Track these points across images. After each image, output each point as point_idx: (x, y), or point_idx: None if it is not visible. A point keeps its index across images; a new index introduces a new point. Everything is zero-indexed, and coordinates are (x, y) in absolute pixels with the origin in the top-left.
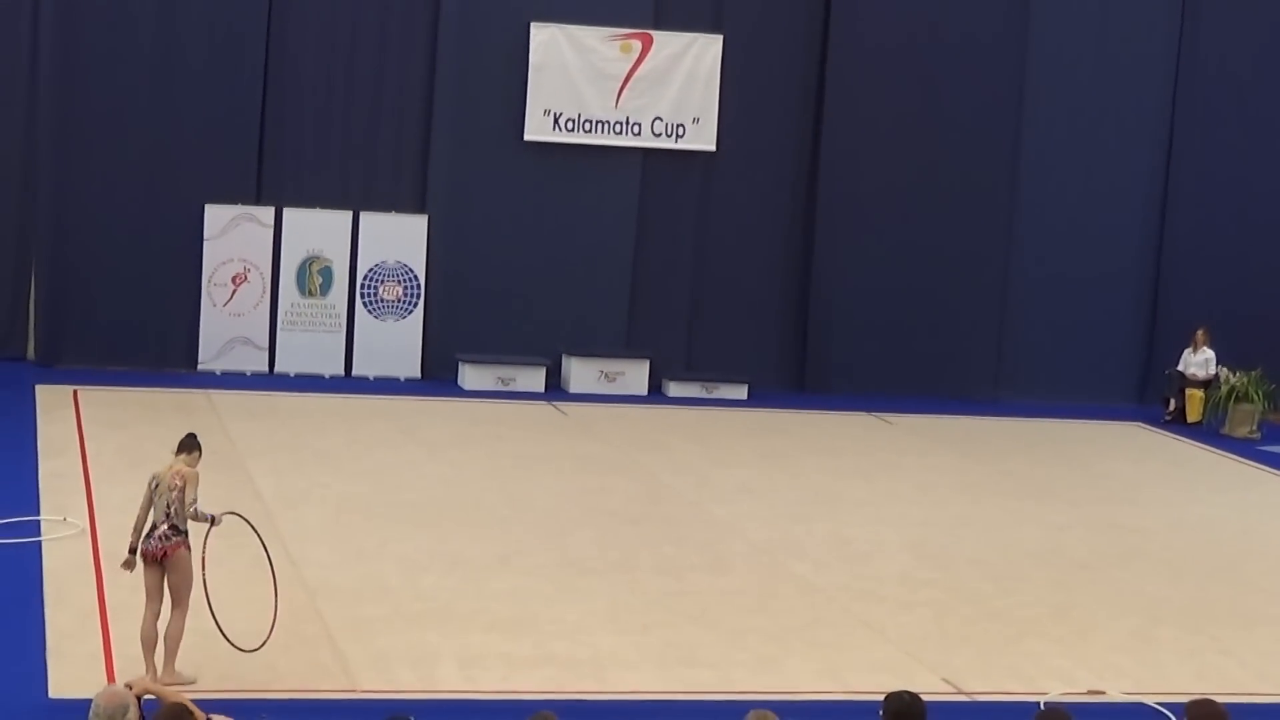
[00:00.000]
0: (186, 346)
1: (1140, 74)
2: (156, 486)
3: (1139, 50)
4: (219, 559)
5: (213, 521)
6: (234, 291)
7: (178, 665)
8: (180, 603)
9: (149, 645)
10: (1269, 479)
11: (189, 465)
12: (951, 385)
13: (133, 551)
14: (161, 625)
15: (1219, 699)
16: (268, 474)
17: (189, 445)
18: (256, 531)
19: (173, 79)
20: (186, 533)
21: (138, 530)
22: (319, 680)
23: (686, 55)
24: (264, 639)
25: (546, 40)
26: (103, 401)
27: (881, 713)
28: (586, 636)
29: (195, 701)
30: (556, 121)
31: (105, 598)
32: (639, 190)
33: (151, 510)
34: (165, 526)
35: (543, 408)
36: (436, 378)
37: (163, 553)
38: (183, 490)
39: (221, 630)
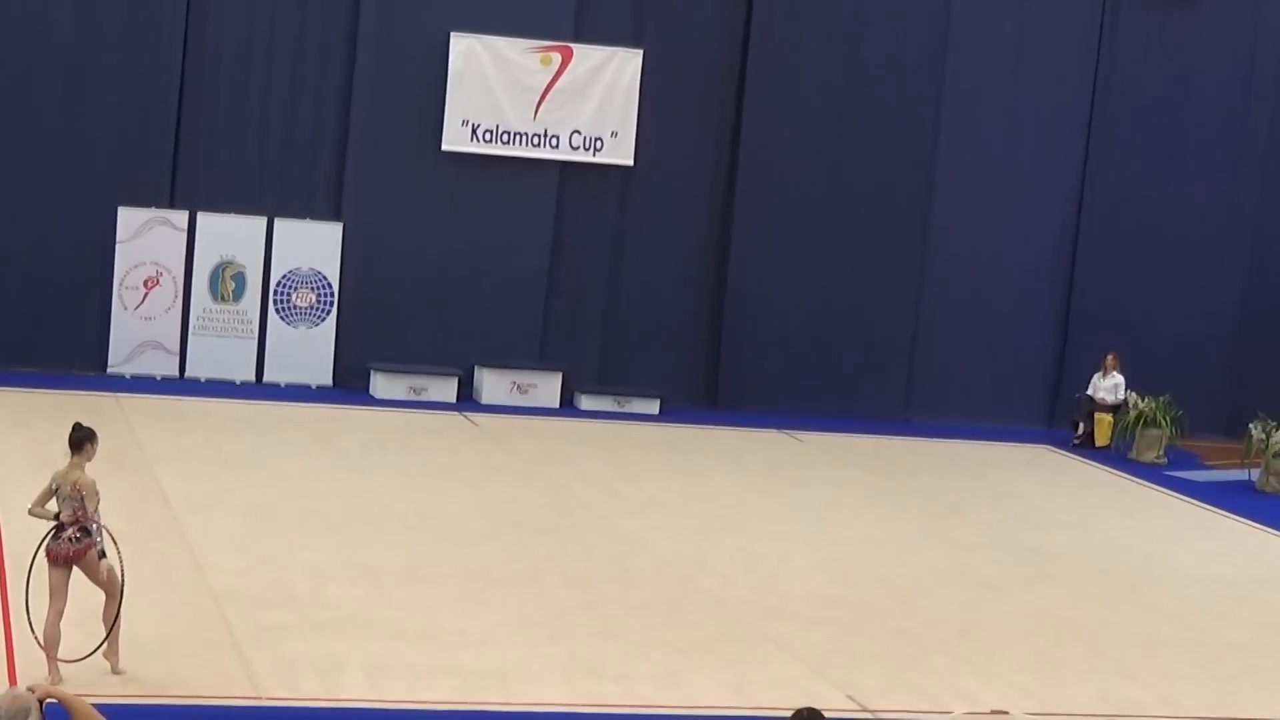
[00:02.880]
0: (96, 349)
1: (1055, 100)
2: (58, 489)
3: (1054, 76)
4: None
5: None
6: (145, 295)
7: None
8: (111, 593)
9: (52, 646)
10: (1174, 503)
11: (80, 467)
12: (863, 404)
13: (56, 518)
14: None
15: None
16: (176, 479)
17: (78, 442)
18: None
19: (87, 80)
20: (94, 534)
21: (37, 515)
22: (223, 687)
23: (606, 69)
24: (97, 646)
25: (466, 51)
26: (9, 403)
27: None
28: (493, 647)
29: (98, 707)
30: (474, 132)
31: (8, 601)
32: (555, 203)
33: (59, 508)
34: (74, 529)
35: (454, 418)
36: (348, 386)
37: (71, 554)
38: (83, 502)
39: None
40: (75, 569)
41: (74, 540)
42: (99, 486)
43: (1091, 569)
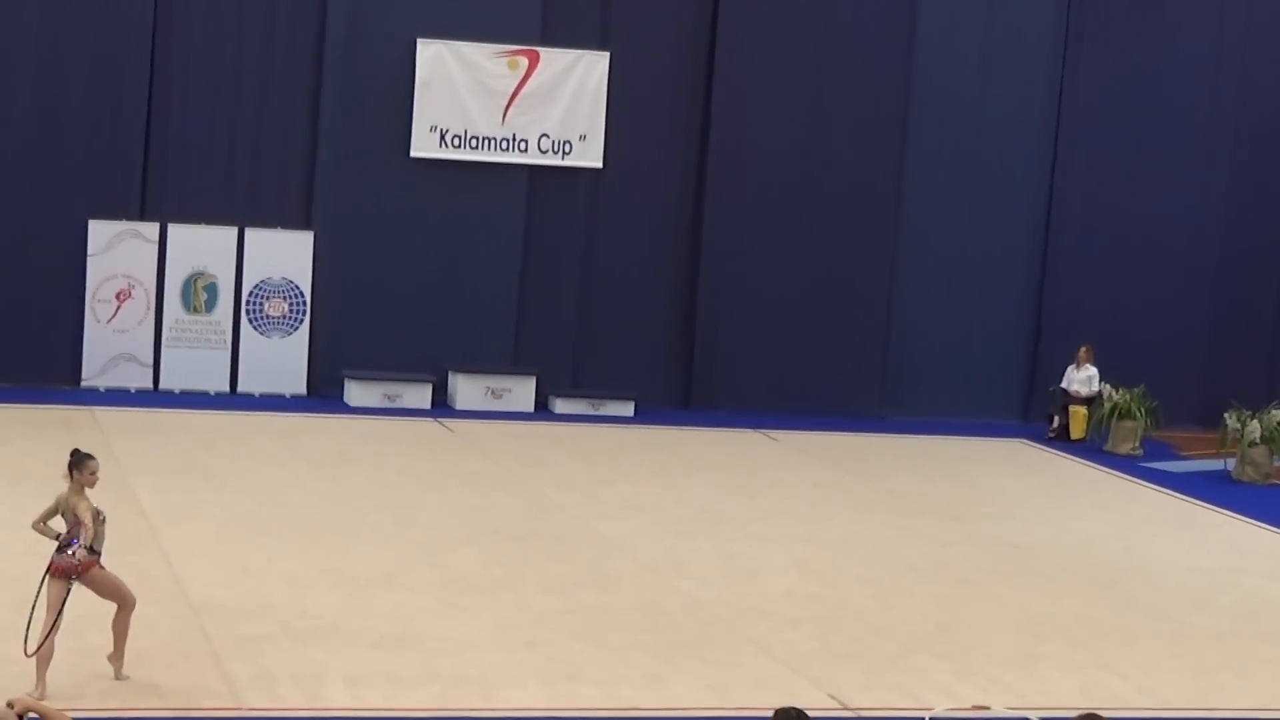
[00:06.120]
0: (70, 363)
1: (1024, 95)
2: (63, 512)
3: (1023, 70)
4: None
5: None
6: (118, 308)
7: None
8: (124, 604)
9: (44, 660)
10: (1151, 495)
11: (76, 490)
12: (837, 402)
13: (57, 538)
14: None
15: (1102, 714)
16: (152, 491)
17: (75, 464)
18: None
19: (55, 93)
20: (100, 552)
21: (39, 530)
22: (203, 699)
23: (573, 72)
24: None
25: (433, 56)
26: None
27: None
28: (472, 654)
29: None
30: (443, 138)
31: None
32: (525, 207)
33: (67, 527)
34: (79, 545)
35: (429, 424)
36: (322, 394)
37: (70, 568)
38: (78, 524)
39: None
40: (80, 586)
41: (76, 556)
42: (99, 512)
43: (1069, 562)
